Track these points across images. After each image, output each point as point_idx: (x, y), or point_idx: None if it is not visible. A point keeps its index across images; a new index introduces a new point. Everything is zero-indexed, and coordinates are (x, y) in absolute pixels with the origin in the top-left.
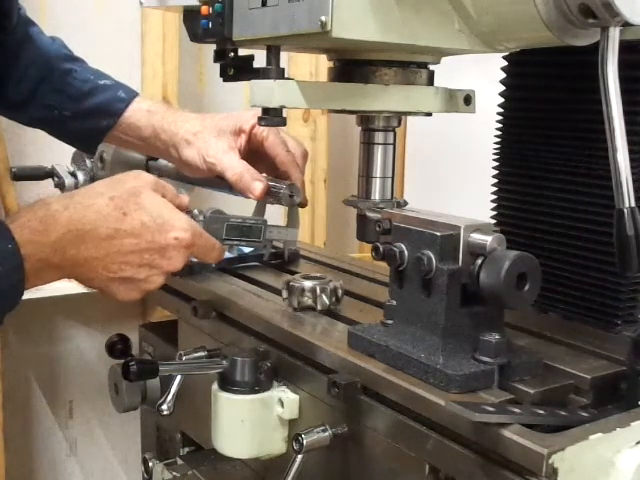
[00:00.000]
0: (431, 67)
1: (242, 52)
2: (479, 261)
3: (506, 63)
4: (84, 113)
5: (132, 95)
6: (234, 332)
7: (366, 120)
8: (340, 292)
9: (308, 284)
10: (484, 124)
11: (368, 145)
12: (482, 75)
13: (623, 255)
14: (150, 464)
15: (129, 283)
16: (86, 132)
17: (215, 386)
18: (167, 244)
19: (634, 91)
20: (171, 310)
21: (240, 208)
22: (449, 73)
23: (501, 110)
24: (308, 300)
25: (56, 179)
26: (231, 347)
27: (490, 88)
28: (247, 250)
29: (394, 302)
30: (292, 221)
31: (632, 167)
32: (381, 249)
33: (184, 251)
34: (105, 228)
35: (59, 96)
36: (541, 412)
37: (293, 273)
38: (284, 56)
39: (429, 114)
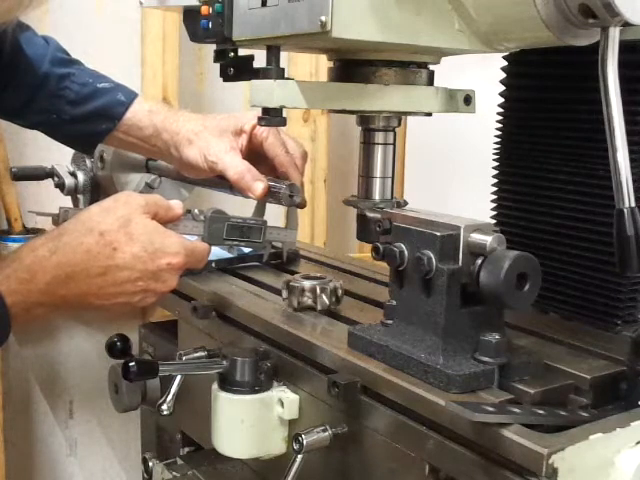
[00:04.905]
0: (431, 67)
1: (242, 52)
2: (479, 261)
3: (506, 63)
4: (83, 117)
5: (132, 97)
6: (234, 332)
7: (366, 120)
8: (340, 292)
9: (308, 284)
10: (484, 124)
11: (368, 145)
12: (482, 75)
13: (623, 255)
14: (150, 464)
15: (123, 305)
16: (85, 135)
17: (215, 386)
18: (160, 270)
19: (634, 91)
20: (171, 310)
21: (239, 208)
22: (449, 73)
23: (501, 110)
24: (308, 300)
25: (56, 179)
26: (231, 347)
27: (490, 88)
28: (247, 250)
29: (394, 302)
30: (291, 222)
31: (632, 167)
32: (381, 249)
33: (177, 272)
34: (96, 267)
35: (57, 101)
36: (541, 412)
37: (293, 273)
38: (284, 56)
39: (429, 114)
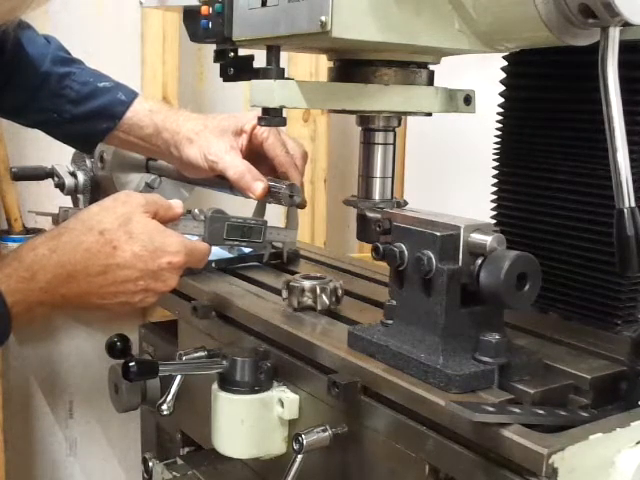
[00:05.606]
0: (431, 67)
1: (242, 52)
2: (479, 261)
3: (506, 63)
4: (84, 116)
5: (132, 97)
6: (234, 332)
7: (366, 120)
8: (340, 292)
9: (308, 284)
10: (484, 124)
11: (368, 145)
12: (482, 75)
13: (623, 255)
14: (150, 464)
15: (124, 305)
16: (85, 134)
17: (215, 386)
18: (160, 269)
19: (634, 91)
20: (171, 310)
21: (239, 208)
22: (449, 73)
23: (501, 110)
24: (308, 300)
25: (56, 179)
26: (231, 347)
27: (490, 88)
28: (247, 250)
29: (394, 302)
30: (291, 222)
31: (632, 167)
32: (381, 249)
33: (177, 271)
34: (97, 266)
35: (58, 100)
36: (541, 412)
37: (293, 273)
38: (284, 56)
39: (429, 114)
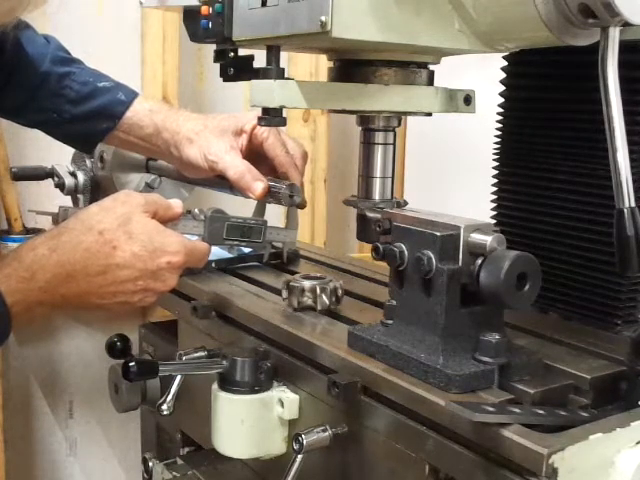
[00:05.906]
0: (431, 67)
1: (242, 52)
2: (479, 261)
3: (506, 63)
4: (83, 116)
5: (132, 96)
6: (234, 332)
7: (366, 120)
8: (340, 292)
9: (308, 284)
10: (484, 124)
11: (368, 145)
12: (482, 75)
13: (623, 255)
14: (150, 464)
15: (123, 304)
16: (85, 134)
17: (215, 386)
18: (160, 269)
19: (634, 91)
20: (171, 310)
21: (239, 208)
22: (449, 73)
23: (501, 110)
24: (308, 300)
25: (56, 179)
26: (231, 347)
27: (490, 88)
28: (247, 250)
29: (394, 302)
30: (291, 222)
31: (632, 167)
32: (381, 249)
33: (177, 271)
34: (96, 266)
35: (58, 100)
36: (541, 412)
37: (293, 273)
38: (284, 56)
39: (429, 114)
